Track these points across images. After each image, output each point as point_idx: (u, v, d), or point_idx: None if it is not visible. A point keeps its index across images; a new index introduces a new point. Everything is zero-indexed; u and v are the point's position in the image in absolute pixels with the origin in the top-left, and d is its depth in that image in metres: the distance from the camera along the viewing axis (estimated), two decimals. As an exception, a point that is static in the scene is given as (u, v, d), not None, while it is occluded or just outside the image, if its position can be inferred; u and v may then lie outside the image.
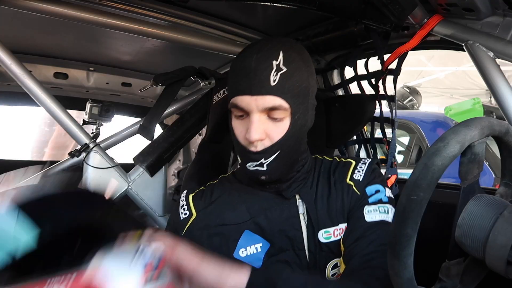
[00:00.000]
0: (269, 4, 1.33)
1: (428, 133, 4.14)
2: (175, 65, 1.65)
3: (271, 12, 1.59)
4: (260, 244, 1.03)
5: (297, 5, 1.22)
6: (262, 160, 0.98)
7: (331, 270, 1.04)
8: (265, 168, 0.99)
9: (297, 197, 1.08)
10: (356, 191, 1.07)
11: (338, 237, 1.05)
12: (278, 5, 1.23)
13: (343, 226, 1.05)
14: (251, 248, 1.03)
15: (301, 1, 1.21)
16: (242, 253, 1.03)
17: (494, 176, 3.63)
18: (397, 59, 1.44)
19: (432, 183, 0.72)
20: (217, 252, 0.95)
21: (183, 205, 1.12)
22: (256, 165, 0.99)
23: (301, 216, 1.06)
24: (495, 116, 3.11)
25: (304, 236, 1.05)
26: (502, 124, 0.83)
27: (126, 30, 1.55)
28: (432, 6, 1.19)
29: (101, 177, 1.79)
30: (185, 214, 1.10)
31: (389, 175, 1.48)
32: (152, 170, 1.88)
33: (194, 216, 1.10)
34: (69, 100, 2.29)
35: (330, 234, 1.05)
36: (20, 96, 2.08)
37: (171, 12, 1.48)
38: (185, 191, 1.17)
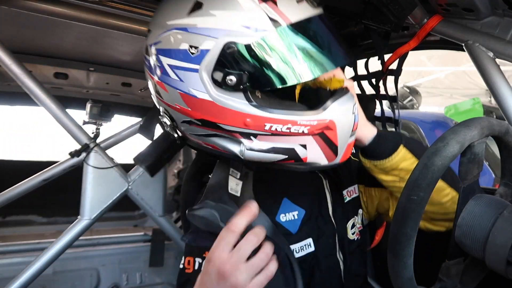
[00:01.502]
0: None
1: (428, 133, 4.13)
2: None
3: (271, 12, 1.58)
4: (297, 212, 1.13)
5: (297, 5, 1.22)
6: None
7: (351, 229, 1.21)
8: None
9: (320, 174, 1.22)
10: (354, 158, 1.27)
11: (353, 196, 1.25)
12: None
13: (351, 188, 1.25)
14: (290, 215, 1.12)
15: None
16: (282, 218, 1.11)
17: (494, 176, 3.62)
18: (398, 59, 1.44)
19: (432, 183, 0.73)
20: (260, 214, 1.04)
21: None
22: None
23: (326, 190, 1.20)
24: (495, 116, 3.11)
25: (329, 204, 1.19)
26: (502, 124, 0.83)
27: (126, 30, 1.55)
28: (432, 6, 1.19)
29: (101, 177, 1.79)
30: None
31: None
32: (152, 170, 1.88)
33: None
34: (69, 100, 2.29)
35: (345, 195, 1.23)
36: (21, 96, 2.08)
37: (171, 12, 1.48)
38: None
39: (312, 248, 1.13)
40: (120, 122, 2.42)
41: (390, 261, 0.76)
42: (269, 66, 0.79)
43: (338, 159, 0.90)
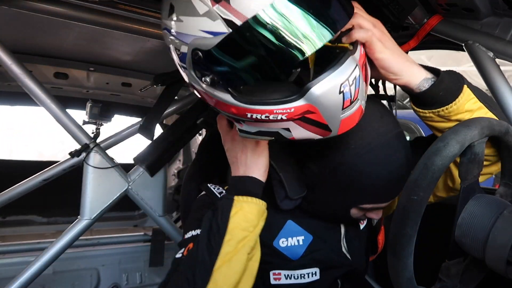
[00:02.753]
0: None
1: (428, 133, 4.13)
2: (175, 65, 1.65)
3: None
4: (302, 237, 1.05)
5: (297, 5, 1.21)
6: None
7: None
8: None
9: None
10: None
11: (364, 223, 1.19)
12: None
13: None
14: (293, 240, 1.05)
15: (301, 1, 1.21)
16: (282, 243, 1.05)
17: (494, 176, 3.62)
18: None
19: (432, 183, 0.73)
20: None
21: (221, 192, 1.09)
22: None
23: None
24: (495, 116, 3.09)
25: (342, 233, 1.13)
26: (502, 124, 0.83)
27: (126, 30, 1.54)
28: (432, 6, 1.19)
29: (101, 177, 1.79)
30: None
31: None
32: (152, 170, 1.87)
33: None
34: (69, 100, 2.29)
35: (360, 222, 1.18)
36: (21, 96, 2.08)
37: (171, 12, 1.48)
38: (211, 184, 1.14)
39: (317, 277, 1.06)
40: (120, 122, 2.42)
41: (390, 261, 0.76)
42: (233, 68, 0.76)
43: (335, 133, 0.84)
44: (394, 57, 0.89)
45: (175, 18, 0.79)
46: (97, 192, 1.79)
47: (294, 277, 1.05)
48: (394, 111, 1.51)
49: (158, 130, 1.87)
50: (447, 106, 0.90)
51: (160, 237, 2.51)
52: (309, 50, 0.73)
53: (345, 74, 0.78)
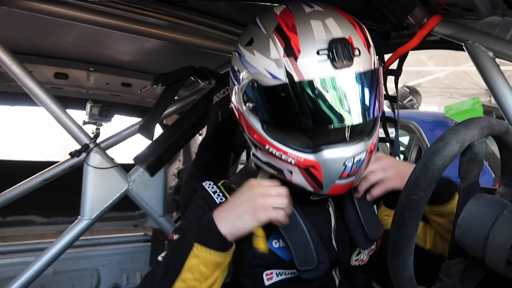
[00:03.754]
0: (269, 4, 1.33)
1: (428, 133, 4.13)
2: (175, 65, 1.65)
3: (271, 12, 1.58)
4: None
5: (297, 5, 1.21)
6: None
7: (355, 256, 1.16)
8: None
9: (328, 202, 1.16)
10: None
11: None
12: (278, 5, 1.23)
13: None
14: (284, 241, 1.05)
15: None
16: (275, 244, 1.06)
17: (494, 176, 3.62)
18: (398, 59, 1.44)
19: (432, 182, 0.72)
20: (250, 240, 1.03)
21: (216, 191, 1.12)
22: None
23: (331, 215, 1.14)
24: (495, 116, 3.11)
25: (332, 226, 1.14)
26: (502, 124, 0.83)
27: (126, 30, 1.55)
28: (432, 6, 1.20)
29: (102, 177, 1.79)
30: (221, 199, 1.10)
31: None
32: (152, 170, 1.87)
33: None
34: (69, 100, 2.29)
35: None
36: (21, 96, 2.08)
37: (171, 12, 1.49)
38: (206, 182, 1.16)
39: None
40: (120, 122, 2.42)
41: (390, 261, 0.76)
42: (275, 107, 0.95)
43: (325, 192, 0.99)
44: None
45: (250, 50, 0.98)
46: (97, 192, 1.79)
47: (285, 273, 1.06)
48: (396, 111, 1.51)
49: (158, 130, 1.88)
50: (439, 207, 1.06)
51: (160, 237, 2.51)
52: (337, 125, 0.92)
53: (353, 153, 0.95)
